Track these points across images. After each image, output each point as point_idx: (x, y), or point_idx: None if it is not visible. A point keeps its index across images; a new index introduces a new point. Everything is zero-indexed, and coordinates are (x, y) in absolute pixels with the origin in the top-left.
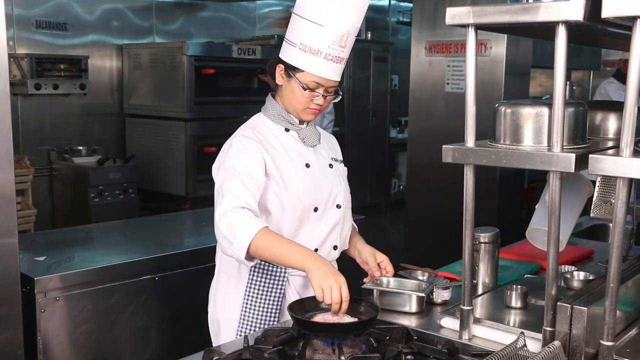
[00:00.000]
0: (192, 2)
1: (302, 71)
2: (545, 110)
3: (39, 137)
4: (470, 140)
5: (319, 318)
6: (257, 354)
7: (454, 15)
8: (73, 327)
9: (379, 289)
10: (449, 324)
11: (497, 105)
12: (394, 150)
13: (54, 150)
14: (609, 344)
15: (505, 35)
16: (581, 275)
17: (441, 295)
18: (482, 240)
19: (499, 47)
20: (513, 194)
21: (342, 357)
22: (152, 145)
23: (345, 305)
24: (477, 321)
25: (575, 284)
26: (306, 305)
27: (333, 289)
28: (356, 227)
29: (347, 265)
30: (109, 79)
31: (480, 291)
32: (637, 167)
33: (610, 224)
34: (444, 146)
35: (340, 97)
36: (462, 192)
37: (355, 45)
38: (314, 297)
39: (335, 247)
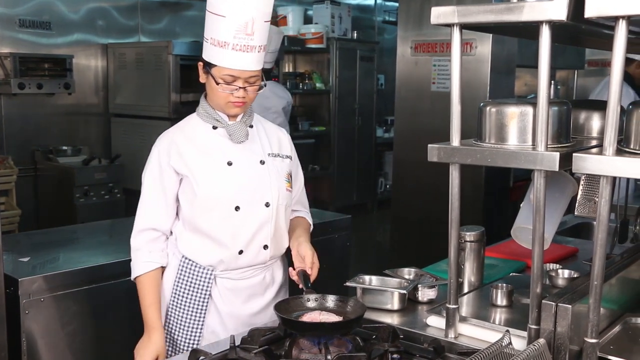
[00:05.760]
0: (178, 1)
1: (216, 66)
2: (529, 110)
3: (23, 137)
4: (455, 140)
5: (306, 317)
6: (243, 353)
7: (438, 14)
8: (58, 328)
9: (361, 287)
10: (435, 323)
11: (482, 104)
12: (380, 149)
13: (39, 150)
14: (593, 341)
15: (491, 35)
16: (566, 273)
17: (427, 294)
18: (467, 239)
19: (484, 46)
20: (498, 192)
21: (329, 357)
22: (137, 145)
23: None
24: (463, 319)
25: (560, 282)
26: (292, 305)
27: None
28: (310, 223)
29: (332, 264)
30: (94, 79)
31: (466, 289)
32: (620, 165)
33: (595, 222)
34: (429, 145)
35: (264, 87)
36: (447, 191)
37: (341, 44)
38: (299, 297)
39: (265, 247)
